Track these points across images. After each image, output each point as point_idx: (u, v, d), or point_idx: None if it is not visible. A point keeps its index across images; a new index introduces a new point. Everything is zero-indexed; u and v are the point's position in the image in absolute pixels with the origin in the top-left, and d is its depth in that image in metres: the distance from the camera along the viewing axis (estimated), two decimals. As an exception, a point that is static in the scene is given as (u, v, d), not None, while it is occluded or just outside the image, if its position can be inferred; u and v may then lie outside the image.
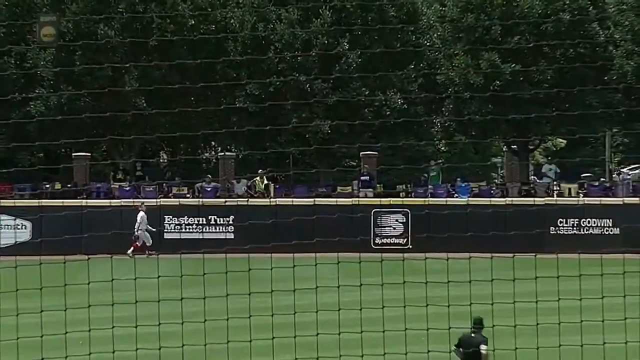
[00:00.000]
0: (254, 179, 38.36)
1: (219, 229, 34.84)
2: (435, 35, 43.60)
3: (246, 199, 35.60)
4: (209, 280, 12.03)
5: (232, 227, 34.66)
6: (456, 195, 37.77)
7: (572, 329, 12.88)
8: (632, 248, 25.27)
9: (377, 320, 12.94)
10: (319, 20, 40.73)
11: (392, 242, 34.58)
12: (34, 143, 35.36)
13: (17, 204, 35.08)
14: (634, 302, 13.82)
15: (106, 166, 47.87)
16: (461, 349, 13.05)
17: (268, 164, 45.23)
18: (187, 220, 34.95)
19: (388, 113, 40.98)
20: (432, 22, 43.65)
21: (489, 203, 33.04)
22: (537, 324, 11.24)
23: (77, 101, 39.90)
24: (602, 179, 42.57)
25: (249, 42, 42.23)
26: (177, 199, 34.50)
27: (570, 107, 38.85)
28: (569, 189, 38.22)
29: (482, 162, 54.89)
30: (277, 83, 39.77)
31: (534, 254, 12.27)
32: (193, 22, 41.71)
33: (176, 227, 35.07)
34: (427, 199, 35.62)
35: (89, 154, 41.53)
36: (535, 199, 36.11)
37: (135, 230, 33.24)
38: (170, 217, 34.92)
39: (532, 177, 46.76)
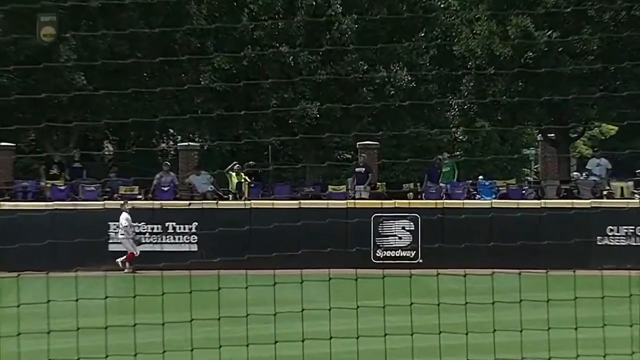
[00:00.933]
0: (228, 171, 38.07)
1: (180, 238, 34.91)
2: (451, -6, 43.98)
3: (215, 201, 35.71)
4: (168, 302, 12.15)
5: (196, 237, 34.75)
6: (478, 196, 38.02)
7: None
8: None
9: (378, 353, 13.04)
10: (305, -25, 40.95)
11: (397, 255, 34.77)
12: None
13: None
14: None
15: (35, 160, 47.92)
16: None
17: (241, 157, 45.25)
18: (139, 227, 34.97)
19: (392, 93, 41.19)
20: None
21: (517, 206, 33.21)
22: (577, 355, 11.41)
23: (-2, 78, 40.01)
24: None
25: (217, 4, 42.38)
26: (126, 200, 34.51)
27: (622, 85, 39.13)
28: (622, 189, 38.44)
29: (511, 155, 55.27)
30: (253, 55, 39.88)
31: (573, 271, 12.40)
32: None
33: (125, 236, 35.11)
34: (441, 201, 35.80)
35: (14, 145, 41.55)
36: (579, 201, 36.31)
37: (126, 236, 33.25)
38: (117, 223, 34.95)
39: (575, 173, 47.08)
